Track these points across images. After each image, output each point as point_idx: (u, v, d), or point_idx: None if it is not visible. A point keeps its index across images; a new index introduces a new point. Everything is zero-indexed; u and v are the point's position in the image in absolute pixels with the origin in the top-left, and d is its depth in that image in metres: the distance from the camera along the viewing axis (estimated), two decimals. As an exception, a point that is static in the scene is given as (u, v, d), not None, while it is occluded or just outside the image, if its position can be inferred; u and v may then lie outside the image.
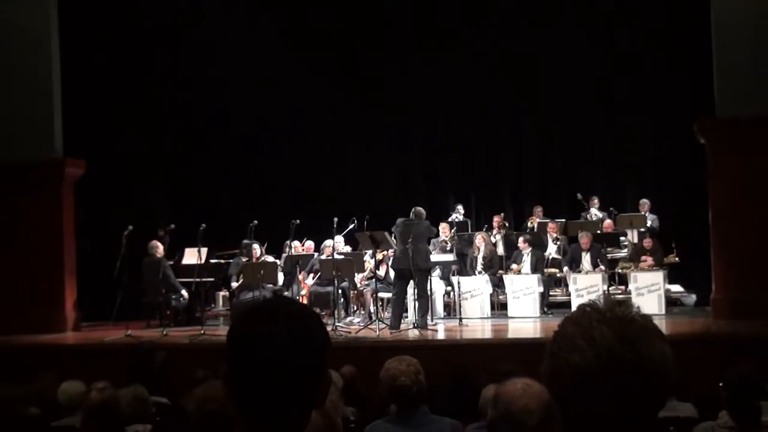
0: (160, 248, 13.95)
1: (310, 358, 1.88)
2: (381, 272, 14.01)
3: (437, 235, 14.31)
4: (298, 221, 13.46)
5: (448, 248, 14.55)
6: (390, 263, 13.65)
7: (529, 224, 16.37)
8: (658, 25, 16.12)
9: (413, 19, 17.37)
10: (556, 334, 1.71)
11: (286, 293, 13.78)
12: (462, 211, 16.52)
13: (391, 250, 13.77)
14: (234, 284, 14.14)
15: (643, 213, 15.59)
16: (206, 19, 16.82)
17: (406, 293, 12.71)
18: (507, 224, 16.02)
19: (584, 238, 14.33)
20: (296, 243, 14.55)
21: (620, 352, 1.61)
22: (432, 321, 12.82)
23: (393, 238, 12.98)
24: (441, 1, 17.08)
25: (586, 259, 14.18)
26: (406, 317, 13.10)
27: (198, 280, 13.50)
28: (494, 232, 15.67)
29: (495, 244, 15.18)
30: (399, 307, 12.57)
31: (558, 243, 15.16)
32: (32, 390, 6.65)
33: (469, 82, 17.42)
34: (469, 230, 15.98)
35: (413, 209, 12.79)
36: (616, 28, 16.41)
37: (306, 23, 17.24)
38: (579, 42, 16.64)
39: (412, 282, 12.53)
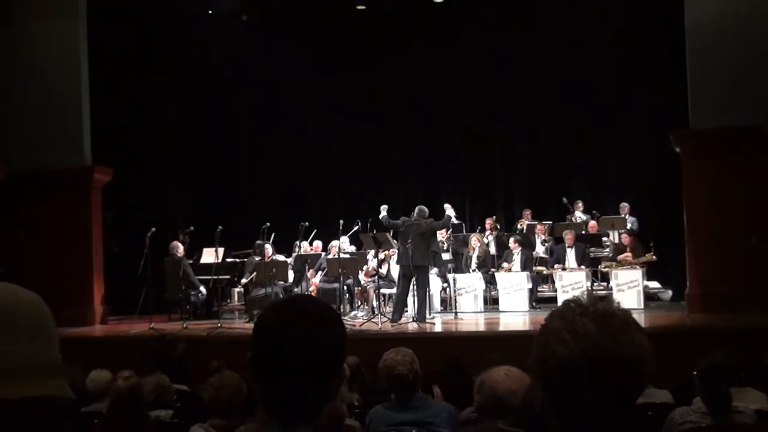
0: (180, 248, 13.96)
1: (329, 354, 1.88)
2: (383, 270, 13.99)
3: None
4: (306, 223, 13.49)
5: (444, 248, 14.57)
6: (395, 260, 13.71)
7: (518, 226, 16.38)
8: (638, 43, 16.11)
9: (411, 25, 17.38)
10: (542, 327, 1.71)
11: (295, 289, 13.85)
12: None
13: (392, 250, 13.82)
14: (244, 280, 14.17)
15: (623, 215, 15.61)
16: (220, 31, 16.88)
17: (408, 289, 12.67)
18: (498, 226, 16.01)
19: (568, 235, 14.38)
20: (305, 243, 14.55)
21: (602, 344, 1.61)
22: (430, 315, 12.81)
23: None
24: (440, 11, 17.05)
25: (570, 256, 14.19)
26: (406, 311, 13.12)
27: (215, 277, 13.53)
28: (487, 233, 15.65)
29: (488, 245, 15.18)
30: (401, 302, 12.57)
31: (546, 244, 15.19)
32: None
33: (465, 94, 17.46)
34: (464, 231, 15.97)
35: (417, 208, 12.78)
36: (600, 46, 16.39)
37: (313, 33, 17.27)
38: (566, 59, 16.63)
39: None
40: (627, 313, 1.70)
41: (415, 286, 12.45)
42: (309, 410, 1.88)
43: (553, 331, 1.67)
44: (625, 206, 15.85)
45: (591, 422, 1.64)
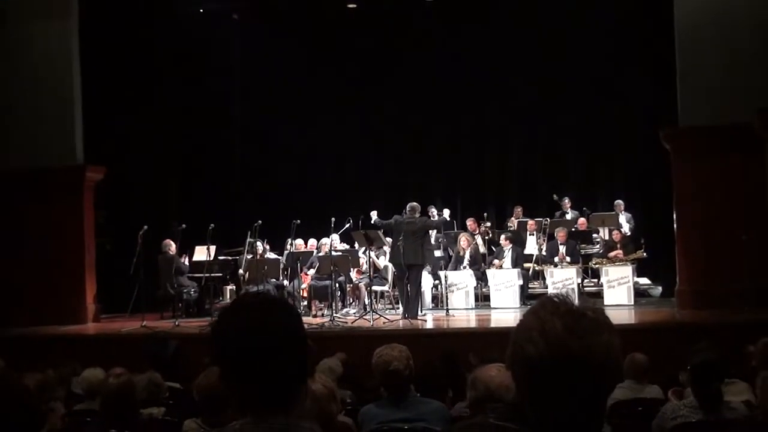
0: (173, 246, 13.96)
1: (270, 341, 1.87)
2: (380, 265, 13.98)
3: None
4: (298, 221, 13.46)
5: (435, 246, 14.56)
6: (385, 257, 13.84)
7: (508, 224, 16.37)
8: (628, 41, 16.14)
9: (403, 24, 17.36)
10: (519, 323, 1.74)
11: (287, 287, 13.87)
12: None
13: (384, 248, 13.84)
14: (241, 271, 14.28)
15: (618, 213, 15.63)
16: (212, 29, 16.85)
17: (405, 286, 12.61)
18: (489, 233, 15.82)
19: (561, 233, 14.41)
20: (299, 241, 14.51)
21: (567, 343, 1.63)
22: (421, 312, 12.78)
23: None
24: (431, 10, 17.06)
25: (561, 252, 14.22)
26: (398, 308, 13.11)
27: (207, 275, 13.51)
28: (479, 231, 15.62)
29: (476, 243, 15.19)
30: (404, 298, 12.52)
31: (538, 242, 15.19)
32: (56, 376, 6.63)
33: (457, 91, 17.47)
34: (455, 229, 15.94)
35: (408, 205, 12.76)
36: (591, 44, 16.40)
37: (307, 33, 17.25)
38: (557, 56, 16.66)
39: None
40: (599, 312, 1.72)
41: (407, 283, 12.44)
42: (290, 397, 1.90)
43: (525, 329, 1.70)
44: (619, 203, 15.85)
45: (560, 419, 1.66)
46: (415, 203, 12.81)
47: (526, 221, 15.81)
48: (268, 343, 1.86)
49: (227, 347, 1.89)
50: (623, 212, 15.67)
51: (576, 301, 1.71)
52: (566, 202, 16.35)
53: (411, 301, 12.37)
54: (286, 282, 13.99)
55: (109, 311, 14.27)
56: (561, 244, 14.30)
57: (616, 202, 15.96)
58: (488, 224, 15.88)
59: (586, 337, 1.64)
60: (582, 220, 15.49)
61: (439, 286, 14.12)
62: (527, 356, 1.66)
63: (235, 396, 1.89)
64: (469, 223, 15.81)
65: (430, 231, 13.53)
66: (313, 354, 2.01)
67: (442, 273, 13.89)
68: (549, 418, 1.67)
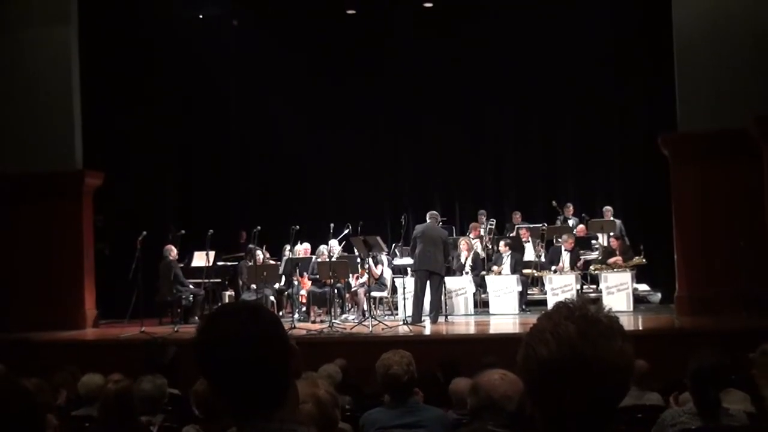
0: (174, 251, 13.98)
1: (250, 348, 1.89)
2: (378, 271, 13.98)
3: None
4: (297, 227, 13.46)
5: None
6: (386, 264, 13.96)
7: (478, 228, 16.37)
8: (626, 48, 16.17)
9: (401, 29, 17.35)
10: (532, 326, 1.75)
11: (286, 293, 13.88)
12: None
13: (382, 254, 13.87)
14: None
15: (607, 219, 15.63)
16: (211, 35, 16.86)
17: (424, 291, 12.66)
18: (488, 243, 15.83)
19: (569, 240, 14.39)
20: (299, 247, 14.49)
21: (580, 348, 1.64)
22: (421, 319, 12.77)
23: (413, 241, 12.93)
24: (429, 16, 17.08)
25: (565, 259, 14.19)
26: (396, 314, 13.10)
27: (206, 281, 13.51)
28: (473, 238, 15.64)
29: (484, 247, 15.21)
30: (418, 304, 12.56)
31: (537, 249, 15.18)
32: (53, 382, 6.62)
33: (455, 97, 17.49)
34: (454, 235, 15.95)
35: (430, 213, 13.03)
36: (588, 51, 16.40)
37: (306, 39, 17.25)
38: (554, 65, 16.67)
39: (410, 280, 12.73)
40: (613, 319, 1.72)
41: (430, 290, 12.56)
42: (278, 400, 1.90)
43: (538, 332, 1.70)
44: (608, 210, 15.86)
45: (569, 423, 1.66)
46: (435, 212, 13.10)
47: (521, 227, 15.84)
48: (249, 350, 1.87)
49: (210, 359, 1.90)
50: (612, 218, 15.67)
51: (592, 308, 1.72)
52: (570, 208, 16.37)
53: (433, 307, 12.54)
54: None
55: (107, 317, 14.26)
56: (566, 250, 14.27)
57: (604, 208, 15.96)
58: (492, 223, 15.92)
59: (598, 342, 1.65)
60: (581, 226, 15.49)
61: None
62: (539, 358, 1.66)
63: (226, 404, 1.91)
64: (474, 230, 15.82)
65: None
66: (297, 354, 2.00)
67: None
68: (557, 421, 1.67)
